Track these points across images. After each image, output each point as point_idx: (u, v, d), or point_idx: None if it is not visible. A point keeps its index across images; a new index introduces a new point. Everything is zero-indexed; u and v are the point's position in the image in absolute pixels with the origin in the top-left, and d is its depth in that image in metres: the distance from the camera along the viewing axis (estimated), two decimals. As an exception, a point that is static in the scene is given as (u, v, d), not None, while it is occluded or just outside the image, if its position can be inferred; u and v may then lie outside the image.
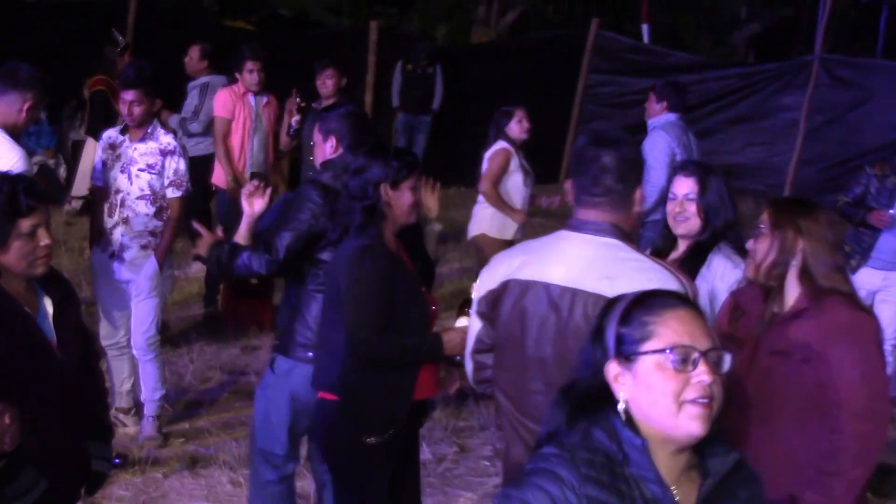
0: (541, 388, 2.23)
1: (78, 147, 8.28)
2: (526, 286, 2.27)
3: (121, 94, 4.65)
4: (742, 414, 2.37)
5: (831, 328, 2.37)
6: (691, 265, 2.96)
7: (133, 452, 4.30)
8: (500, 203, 5.62)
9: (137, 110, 4.39)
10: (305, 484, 3.96)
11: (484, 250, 5.45)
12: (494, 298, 2.32)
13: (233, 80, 6.40)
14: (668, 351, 1.45)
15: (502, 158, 5.61)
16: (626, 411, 1.49)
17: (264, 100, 6.39)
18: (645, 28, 12.37)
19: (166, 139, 4.50)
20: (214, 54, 7.02)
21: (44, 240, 2.47)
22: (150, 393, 4.51)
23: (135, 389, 4.66)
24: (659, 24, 13.25)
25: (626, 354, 1.49)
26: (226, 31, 10.11)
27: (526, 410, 2.31)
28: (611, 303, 1.59)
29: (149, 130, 4.45)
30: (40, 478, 2.43)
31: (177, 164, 4.46)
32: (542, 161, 7.31)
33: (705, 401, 1.45)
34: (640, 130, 5.97)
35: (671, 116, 5.79)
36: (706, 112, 10.17)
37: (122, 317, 4.51)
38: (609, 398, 1.51)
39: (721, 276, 2.92)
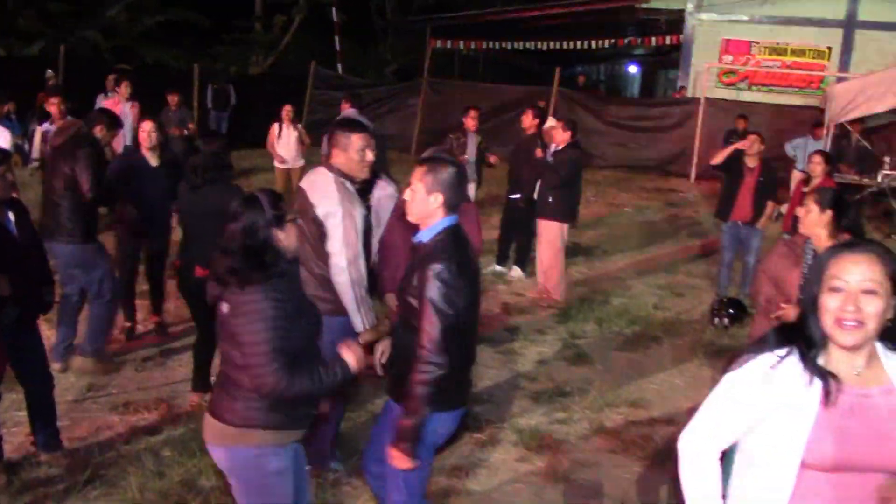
0: None
1: (34, 133, 11.89)
2: None
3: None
4: None
5: None
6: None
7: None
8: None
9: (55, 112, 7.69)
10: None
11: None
12: None
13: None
14: None
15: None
16: None
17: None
18: (339, 66, 21.97)
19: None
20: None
21: (10, 178, 4.61)
22: None
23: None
24: (346, 64, 22.83)
25: None
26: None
27: None
28: None
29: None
30: (15, 308, 4.39)
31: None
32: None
33: None
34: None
35: (353, 111, 9.55)
36: (374, 110, 19.54)
37: None
38: None
39: None
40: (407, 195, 3.40)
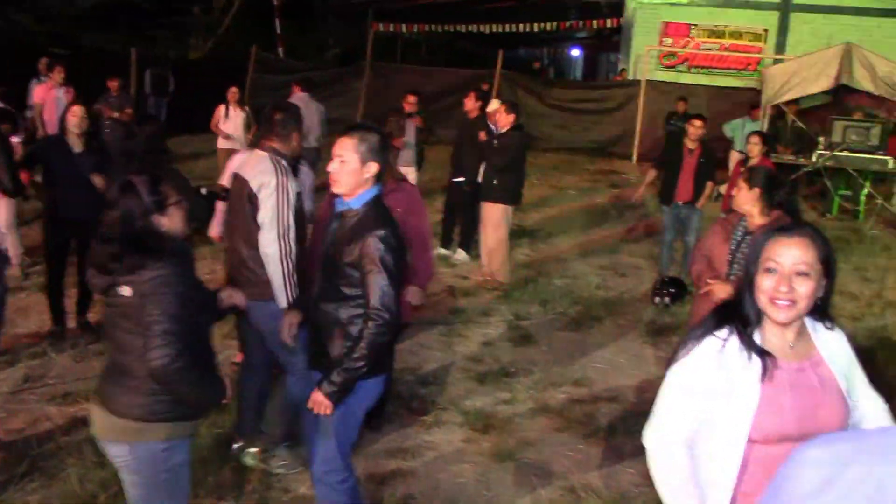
0: None
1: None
2: None
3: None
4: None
5: None
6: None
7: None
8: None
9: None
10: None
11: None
12: None
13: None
14: None
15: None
16: None
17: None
18: (280, 50, 21.69)
19: None
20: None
21: None
22: None
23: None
24: (287, 48, 22.55)
25: None
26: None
27: None
28: None
29: None
30: None
31: None
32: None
33: None
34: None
35: (304, 95, 11.08)
36: (317, 94, 19.36)
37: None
38: None
39: None
40: (333, 167, 3.41)
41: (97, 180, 5.97)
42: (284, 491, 4.50)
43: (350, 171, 3.39)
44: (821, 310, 2.40)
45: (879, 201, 12.82)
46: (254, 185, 4.20)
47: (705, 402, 2.38)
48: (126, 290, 2.87)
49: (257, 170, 4.24)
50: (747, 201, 4.55)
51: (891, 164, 12.68)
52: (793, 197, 11.45)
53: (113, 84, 13.08)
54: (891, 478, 1.29)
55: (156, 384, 2.89)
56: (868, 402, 2.50)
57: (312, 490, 3.84)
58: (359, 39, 22.70)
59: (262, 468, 4.64)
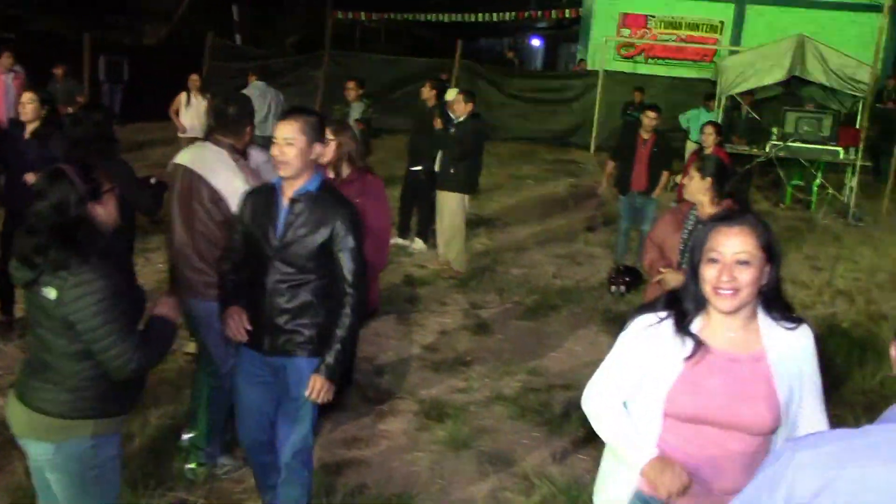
0: None
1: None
2: None
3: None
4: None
5: None
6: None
7: None
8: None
9: None
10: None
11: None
12: None
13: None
14: None
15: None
16: None
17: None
18: (238, 37, 21.42)
19: None
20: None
21: None
22: None
23: None
24: (245, 35, 22.31)
25: None
26: None
27: None
28: None
29: None
30: None
31: None
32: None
33: None
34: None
35: (261, 84, 11.07)
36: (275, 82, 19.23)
37: None
38: None
39: None
40: (281, 151, 3.40)
41: (29, 177, 5.77)
42: (236, 482, 4.47)
43: (298, 152, 3.39)
44: (773, 299, 2.43)
45: (831, 191, 13.04)
46: (220, 187, 4.12)
47: (634, 369, 2.48)
48: (51, 293, 2.74)
49: (223, 172, 4.15)
50: (698, 190, 4.60)
51: (842, 155, 12.90)
52: (743, 186, 11.54)
53: (58, 71, 12.85)
54: (882, 477, 1.31)
55: (83, 381, 2.83)
56: (811, 416, 2.45)
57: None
58: (318, 27, 22.53)
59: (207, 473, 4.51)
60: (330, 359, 3.46)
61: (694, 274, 2.41)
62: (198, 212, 4.16)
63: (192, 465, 4.48)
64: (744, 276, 2.32)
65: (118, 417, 3.01)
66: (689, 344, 2.40)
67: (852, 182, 12.87)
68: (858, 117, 13.33)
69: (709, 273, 2.35)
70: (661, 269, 4.59)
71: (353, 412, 5.30)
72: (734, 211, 2.45)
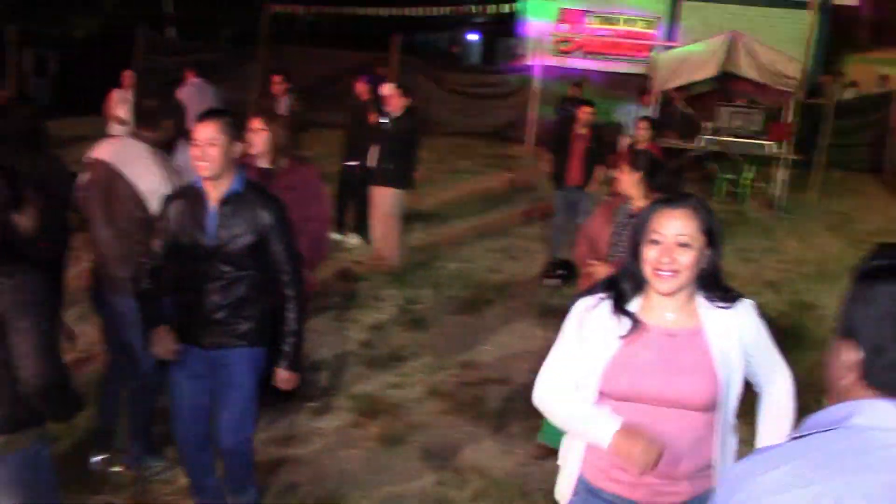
0: None
1: None
2: None
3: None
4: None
5: None
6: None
7: None
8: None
9: None
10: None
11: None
12: None
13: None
14: None
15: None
16: None
17: None
18: (172, 30, 21.02)
19: None
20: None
21: None
22: None
23: None
24: (178, 28, 21.91)
25: None
26: None
27: None
28: None
29: None
30: None
31: None
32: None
33: None
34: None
35: (199, 81, 11.50)
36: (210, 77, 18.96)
37: None
38: None
39: None
40: (204, 153, 3.39)
41: None
42: (166, 483, 4.38)
43: (221, 153, 3.41)
44: (711, 283, 2.46)
45: (761, 184, 13.32)
46: (143, 187, 4.04)
47: (577, 351, 2.50)
48: None
49: (141, 169, 4.08)
50: (629, 185, 4.64)
51: (774, 148, 13.19)
52: (673, 180, 11.78)
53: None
54: (845, 488, 1.29)
55: (24, 395, 2.67)
56: (775, 372, 2.66)
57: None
58: (254, 20, 22.19)
59: (133, 476, 4.41)
60: (287, 348, 3.63)
61: (634, 254, 2.43)
62: (118, 208, 4.07)
63: (117, 468, 4.39)
64: (684, 259, 2.36)
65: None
66: (627, 323, 2.43)
67: (783, 175, 13.15)
68: (788, 112, 13.62)
69: (650, 254, 2.38)
70: (592, 262, 4.62)
71: (285, 410, 5.24)
72: (679, 194, 2.47)
